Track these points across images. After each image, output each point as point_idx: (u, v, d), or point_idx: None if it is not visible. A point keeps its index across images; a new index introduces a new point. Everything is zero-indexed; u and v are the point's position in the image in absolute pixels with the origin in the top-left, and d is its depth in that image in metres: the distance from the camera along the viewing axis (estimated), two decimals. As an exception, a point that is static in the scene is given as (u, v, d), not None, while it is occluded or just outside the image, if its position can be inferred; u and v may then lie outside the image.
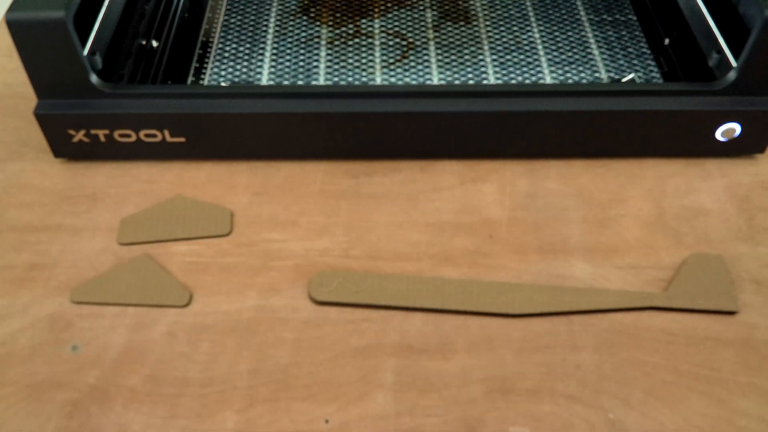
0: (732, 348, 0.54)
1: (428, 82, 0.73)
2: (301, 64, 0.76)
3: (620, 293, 0.57)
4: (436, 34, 0.79)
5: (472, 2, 0.84)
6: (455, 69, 0.75)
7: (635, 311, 0.56)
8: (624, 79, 0.73)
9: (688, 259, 0.59)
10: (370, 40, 0.79)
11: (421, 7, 0.83)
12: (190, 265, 0.60)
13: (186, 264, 0.60)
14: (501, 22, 0.81)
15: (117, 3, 0.69)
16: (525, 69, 0.75)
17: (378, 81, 0.74)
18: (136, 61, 0.70)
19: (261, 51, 0.77)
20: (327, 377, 0.53)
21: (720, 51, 0.65)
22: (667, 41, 0.76)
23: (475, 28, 0.80)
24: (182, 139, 0.65)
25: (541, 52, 0.77)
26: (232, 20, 0.82)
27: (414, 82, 0.73)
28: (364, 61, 0.76)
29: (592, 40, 0.78)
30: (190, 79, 0.74)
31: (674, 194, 0.66)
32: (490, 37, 0.79)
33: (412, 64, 0.76)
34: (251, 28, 0.81)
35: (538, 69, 0.75)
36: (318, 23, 0.81)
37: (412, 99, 0.64)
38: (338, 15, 0.82)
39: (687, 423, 0.50)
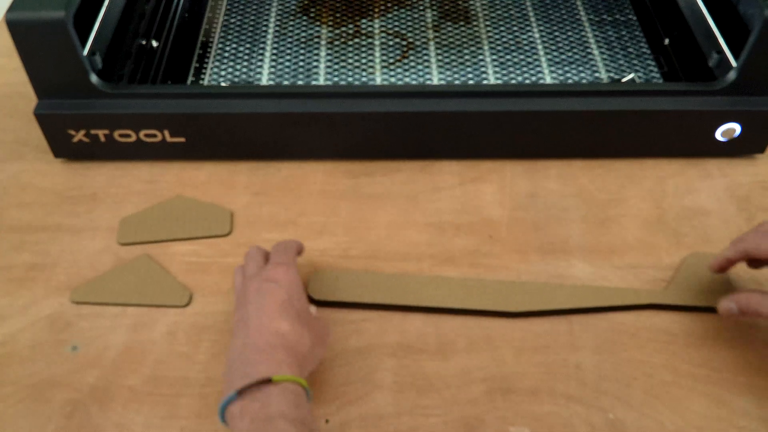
0: (732, 348, 0.54)
1: (428, 82, 0.73)
2: (301, 64, 0.76)
3: (620, 291, 0.57)
4: (436, 34, 0.79)
5: (472, 2, 0.84)
6: (455, 69, 0.75)
7: (635, 311, 0.56)
8: (624, 79, 0.73)
9: (687, 259, 0.59)
10: (370, 40, 0.79)
11: (421, 7, 0.83)
12: (190, 265, 0.60)
13: (186, 264, 0.60)
14: (501, 22, 0.81)
15: (117, 3, 0.69)
16: (525, 69, 0.75)
17: (378, 81, 0.74)
18: (136, 61, 0.70)
19: (261, 51, 0.77)
20: (327, 377, 0.53)
21: (720, 51, 0.65)
22: (667, 41, 0.76)
23: (475, 28, 0.80)
24: (182, 139, 0.65)
25: (541, 52, 0.77)
26: (232, 20, 0.82)
27: (414, 82, 0.73)
28: (364, 61, 0.76)
29: (592, 40, 0.78)
30: (190, 79, 0.74)
31: (674, 194, 0.66)
32: (490, 37, 0.79)
33: (412, 64, 0.76)
34: (251, 28, 0.81)
35: (538, 69, 0.75)
36: (318, 23, 0.81)
37: (412, 99, 0.64)
38: (338, 15, 0.82)
39: (687, 423, 0.50)
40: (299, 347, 0.46)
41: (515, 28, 0.80)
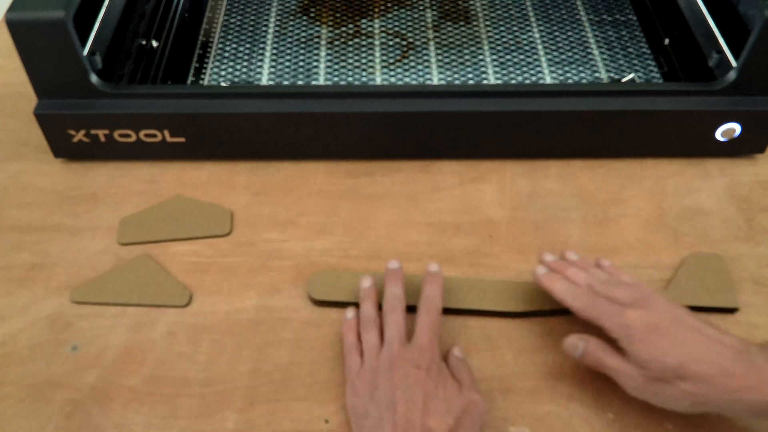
0: (732, 348, 0.54)
1: (428, 82, 0.73)
2: (301, 64, 0.76)
3: None
4: (436, 34, 0.79)
5: (472, 2, 0.84)
6: (455, 69, 0.75)
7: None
8: (624, 79, 0.73)
9: (688, 259, 0.59)
10: (370, 40, 0.79)
11: (421, 7, 0.83)
12: (190, 265, 0.60)
13: (186, 264, 0.60)
14: (501, 22, 0.81)
15: (117, 3, 0.69)
16: (525, 69, 0.75)
17: (378, 81, 0.74)
18: (136, 61, 0.70)
19: (261, 51, 0.77)
20: (327, 377, 0.53)
21: (720, 51, 0.65)
22: (667, 41, 0.76)
23: (475, 28, 0.80)
24: (182, 139, 0.65)
25: (541, 52, 0.77)
26: (232, 20, 0.82)
27: (414, 82, 0.73)
28: (364, 61, 0.76)
29: (592, 40, 0.78)
30: (190, 79, 0.74)
31: (674, 194, 0.66)
32: (490, 37, 0.79)
33: (412, 64, 0.76)
34: (251, 28, 0.81)
35: (538, 69, 0.75)
36: (318, 23, 0.81)
37: (412, 99, 0.64)
38: (338, 15, 0.82)
39: (687, 423, 0.50)
40: None
41: (515, 28, 0.80)
